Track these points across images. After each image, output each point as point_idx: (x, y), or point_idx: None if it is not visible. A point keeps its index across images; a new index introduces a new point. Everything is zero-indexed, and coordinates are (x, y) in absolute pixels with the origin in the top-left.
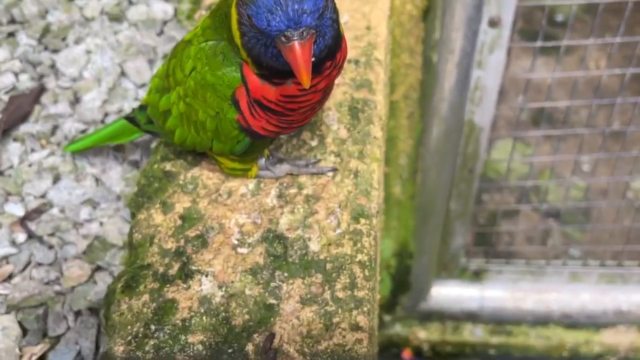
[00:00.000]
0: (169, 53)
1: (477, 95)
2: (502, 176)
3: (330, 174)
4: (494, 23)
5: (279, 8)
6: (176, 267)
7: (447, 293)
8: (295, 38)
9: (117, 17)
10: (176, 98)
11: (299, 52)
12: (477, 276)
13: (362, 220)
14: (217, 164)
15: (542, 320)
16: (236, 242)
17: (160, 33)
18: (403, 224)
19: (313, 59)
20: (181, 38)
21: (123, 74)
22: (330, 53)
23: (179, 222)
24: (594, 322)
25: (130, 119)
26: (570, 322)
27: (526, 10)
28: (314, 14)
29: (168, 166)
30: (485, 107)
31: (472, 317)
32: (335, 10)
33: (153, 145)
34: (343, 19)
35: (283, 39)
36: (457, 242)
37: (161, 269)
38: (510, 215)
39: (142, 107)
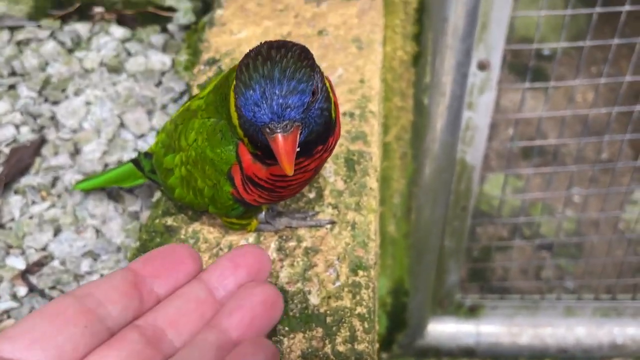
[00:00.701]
0: (177, 113)
1: (468, 135)
2: (495, 209)
3: (329, 226)
4: (483, 66)
5: (264, 102)
6: None
7: (443, 329)
8: (278, 130)
9: (116, 69)
10: (179, 161)
11: (281, 144)
12: (472, 312)
13: (361, 272)
14: (217, 217)
15: (538, 355)
16: None
17: (159, 84)
18: (398, 262)
19: (298, 149)
20: (182, 90)
21: (122, 125)
22: (321, 138)
23: None
24: (590, 356)
25: (135, 162)
26: (566, 356)
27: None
28: (298, 109)
29: (169, 221)
30: (476, 146)
31: (469, 353)
32: (327, 99)
33: (154, 199)
34: (337, 72)
35: (267, 130)
36: (452, 279)
37: None
38: (503, 248)
39: (148, 155)
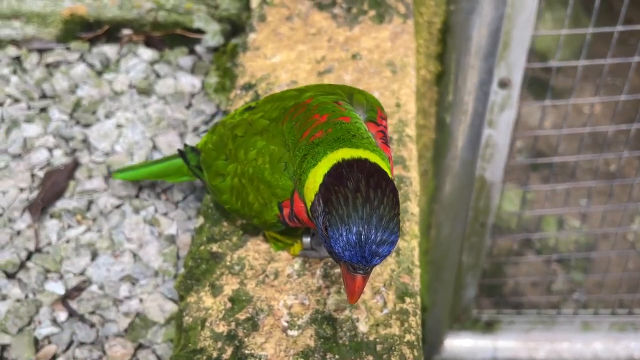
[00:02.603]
0: (234, 121)
1: (488, 152)
2: (505, 221)
3: None
4: (504, 84)
5: (358, 245)
6: (229, 351)
7: (460, 345)
8: (360, 272)
9: (145, 91)
10: (232, 171)
11: (359, 284)
12: (489, 327)
13: (407, 299)
14: (262, 242)
15: None
16: (286, 324)
17: (189, 106)
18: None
19: None
20: (213, 113)
21: (155, 147)
22: None
23: (229, 304)
24: None
25: (182, 153)
26: None
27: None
28: (383, 257)
29: (214, 247)
30: (496, 163)
31: None
32: None
33: (197, 225)
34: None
35: (350, 267)
36: (469, 294)
37: (215, 354)
38: (515, 261)
39: (195, 150)
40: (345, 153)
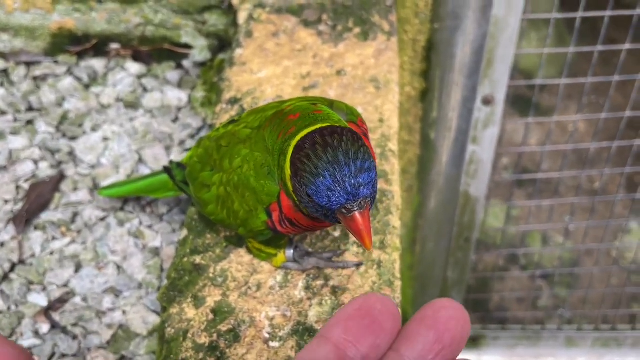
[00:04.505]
0: (218, 134)
1: (472, 168)
2: (490, 237)
3: None
4: (487, 101)
5: (337, 185)
6: None
7: None
8: (355, 209)
9: (132, 104)
10: (218, 181)
11: (360, 221)
12: (474, 342)
13: None
14: (245, 253)
15: None
16: (267, 336)
17: (175, 120)
18: (403, 294)
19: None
20: (199, 126)
21: (141, 160)
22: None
23: (211, 316)
24: None
25: (167, 169)
26: None
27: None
28: (369, 185)
29: (198, 259)
30: (480, 178)
31: None
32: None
33: (181, 237)
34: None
35: (344, 210)
36: None
37: None
38: (500, 276)
39: (181, 165)
40: (304, 132)
